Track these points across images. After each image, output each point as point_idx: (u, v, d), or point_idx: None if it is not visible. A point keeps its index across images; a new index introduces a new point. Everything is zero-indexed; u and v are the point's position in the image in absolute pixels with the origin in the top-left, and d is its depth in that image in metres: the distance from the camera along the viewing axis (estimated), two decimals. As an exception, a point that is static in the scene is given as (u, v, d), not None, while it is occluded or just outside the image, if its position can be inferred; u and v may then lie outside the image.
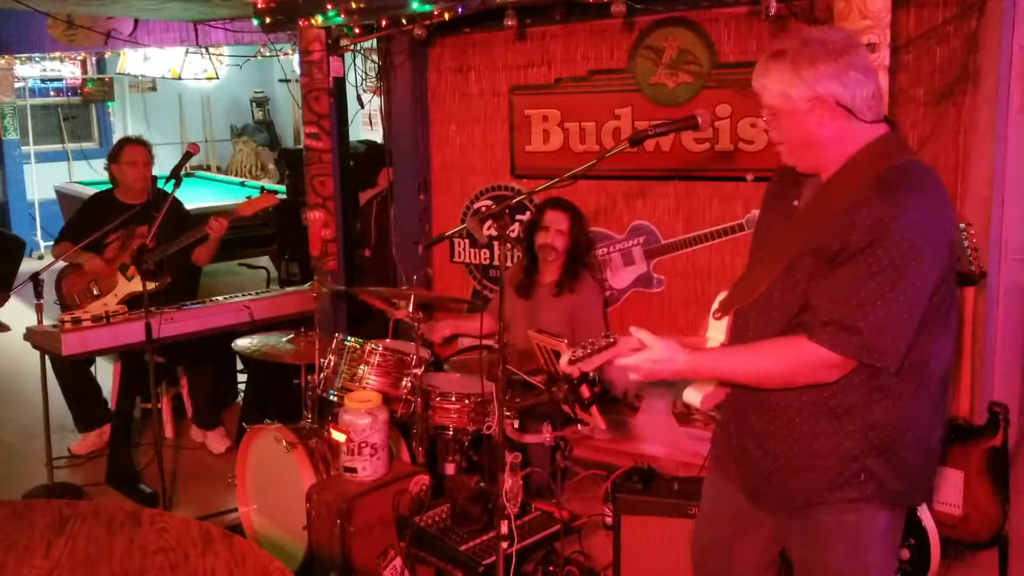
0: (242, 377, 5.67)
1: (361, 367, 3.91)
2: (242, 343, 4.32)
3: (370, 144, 6.56)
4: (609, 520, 3.83)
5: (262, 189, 5.01)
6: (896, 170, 2.00)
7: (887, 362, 1.98)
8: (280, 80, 11.53)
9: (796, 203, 2.19)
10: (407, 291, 3.93)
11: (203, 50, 8.16)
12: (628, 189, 4.56)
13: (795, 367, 2.06)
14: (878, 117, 2.07)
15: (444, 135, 5.23)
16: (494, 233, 2.77)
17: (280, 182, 8.76)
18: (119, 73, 10.84)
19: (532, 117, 4.82)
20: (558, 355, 2.82)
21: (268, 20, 5.00)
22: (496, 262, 5.01)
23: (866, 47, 3.01)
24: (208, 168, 11.84)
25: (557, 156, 4.73)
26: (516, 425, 3.99)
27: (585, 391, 2.72)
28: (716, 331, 2.23)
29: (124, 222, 4.94)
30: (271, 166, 11.48)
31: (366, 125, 8.01)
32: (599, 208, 4.67)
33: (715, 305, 2.23)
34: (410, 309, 3.84)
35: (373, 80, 5.39)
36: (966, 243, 3.23)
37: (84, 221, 5.06)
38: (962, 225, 3.28)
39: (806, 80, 2.01)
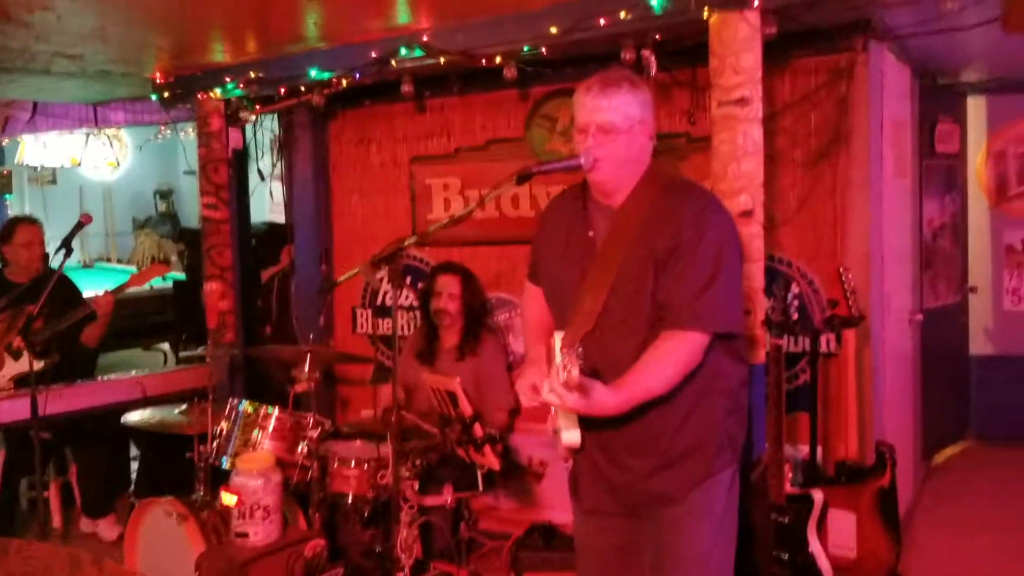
0: (136, 465, 5.49)
1: (255, 431, 3.86)
2: (133, 416, 4.23)
3: (272, 224, 6.59)
4: (512, 581, 3.80)
5: (152, 260, 4.98)
6: (677, 180, 2.52)
7: (739, 325, 2.38)
8: (185, 172, 11.50)
9: (591, 234, 2.47)
10: (305, 349, 3.92)
11: (104, 136, 8.13)
12: (528, 253, 4.65)
13: (686, 359, 2.33)
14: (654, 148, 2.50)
15: (346, 206, 5.29)
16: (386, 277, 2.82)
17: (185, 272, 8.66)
18: (18, 164, 10.67)
19: (433, 186, 4.93)
20: (452, 396, 2.87)
21: (167, 95, 5.06)
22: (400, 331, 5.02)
23: (739, 101, 3.25)
24: (109, 260, 11.61)
25: (459, 224, 4.81)
26: (416, 487, 3.96)
27: (478, 430, 2.77)
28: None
29: (12, 301, 4.82)
30: (174, 258, 11.31)
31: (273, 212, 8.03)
32: (500, 273, 4.76)
33: (558, 343, 2.32)
34: (306, 368, 3.82)
35: (274, 155, 5.46)
36: (845, 286, 3.40)
37: (-30, 303, 4.92)
38: (840, 269, 3.45)
39: (641, 104, 2.39)
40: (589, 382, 2.17)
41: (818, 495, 3.28)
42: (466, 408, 2.75)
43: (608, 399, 2.24)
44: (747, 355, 2.62)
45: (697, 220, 2.32)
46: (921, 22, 3.45)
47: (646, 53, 3.49)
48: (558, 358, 2.27)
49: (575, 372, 2.07)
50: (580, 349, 2.10)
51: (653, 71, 3.53)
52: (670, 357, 2.31)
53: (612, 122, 2.35)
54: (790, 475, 3.27)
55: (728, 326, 2.35)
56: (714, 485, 2.44)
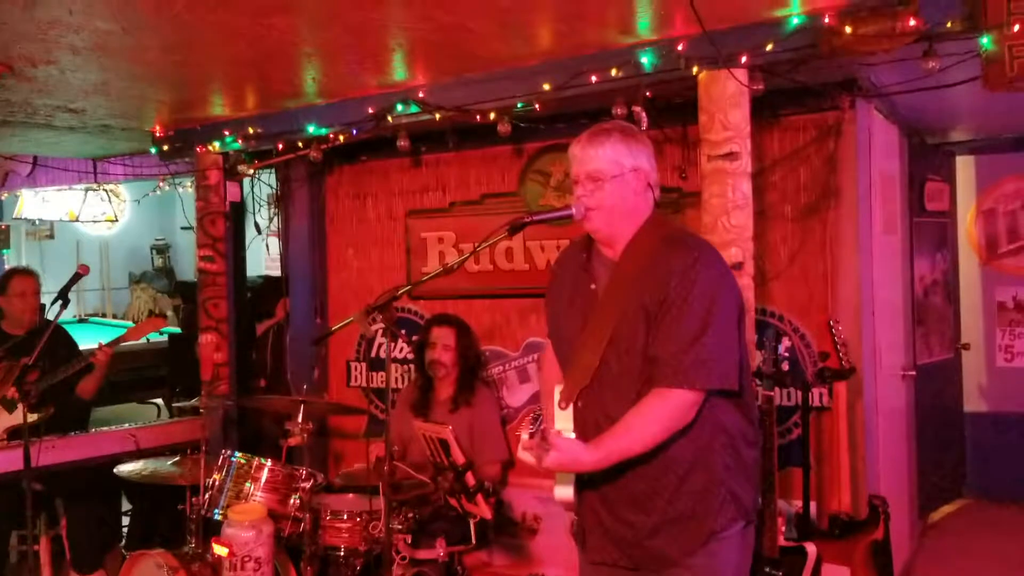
0: (128, 521, 5.46)
1: (247, 483, 3.86)
2: (126, 467, 4.22)
3: (268, 278, 6.65)
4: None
5: (149, 312, 5.02)
6: (676, 231, 2.48)
7: (733, 382, 2.29)
8: (182, 227, 11.58)
9: (593, 286, 2.48)
10: (299, 399, 3.93)
11: (102, 191, 8.22)
12: (521, 306, 4.72)
13: (671, 418, 2.29)
14: (657, 200, 2.51)
15: (342, 259, 5.36)
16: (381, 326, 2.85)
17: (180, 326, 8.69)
18: (16, 218, 10.76)
19: (428, 239, 5.01)
20: (444, 444, 2.88)
21: (166, 148, 5.14)
22: (393, 384, 5.05)
23: (728, 155, 3.33)
24: (104, 315, 11.63)
25: (453, 276, 4.79)
26: (409, 540, 3.95)
27: (470, 478, 2.79)
28: (563, 421, 2.34)
29: (7, 353, 4.84)
30: (170, 313, 11.34)
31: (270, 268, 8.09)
32: (493, 326, 4.80)
33: (557, 397, 2.36)
34: (299, 420, 3.83)
35: (271, 207, 5.53)
36: (835, 338, 3.44)
37: (-34, 356, 4.93)
38: (830, 321, 3.50)
39: (633, 152, 2.42)
40: (563, 441, 2.20)
41: (811, 548, 3.27)
42: (458, 456, 2.77)
43: (584, 456, 2.24)
44: (753, 411, 2.52)
45: (686, 273, 2.30)
46: (906, 81, 3.53)
47: (637, 109, 3.57)
48: (555, 412, 2.32)
49: (525, 436, 2.11)
50: (536, 414, 2.15)
51: (644, 126, 3.60)
52: (653, 415, 2.29)
53: (600, 169, 2.38)
54: (783, 529, 3.27)
55: (720, 382, 2.29)
56: (721, 546, 2.38)
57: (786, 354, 3.25)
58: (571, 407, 2.37)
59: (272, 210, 5.63)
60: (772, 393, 3.17)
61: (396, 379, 5.08)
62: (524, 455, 2.23)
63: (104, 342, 4.78)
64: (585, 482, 2.43)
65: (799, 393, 3.81)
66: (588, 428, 2.34)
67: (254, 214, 5.51)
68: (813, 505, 3.67)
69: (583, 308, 2.47)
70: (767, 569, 3.24)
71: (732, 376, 2.32)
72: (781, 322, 4.06)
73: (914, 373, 5.00)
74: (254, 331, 5.90)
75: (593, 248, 2.54)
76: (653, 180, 2.47)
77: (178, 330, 7.84)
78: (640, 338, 2.33)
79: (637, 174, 2.41)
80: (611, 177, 2.39)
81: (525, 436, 2.16)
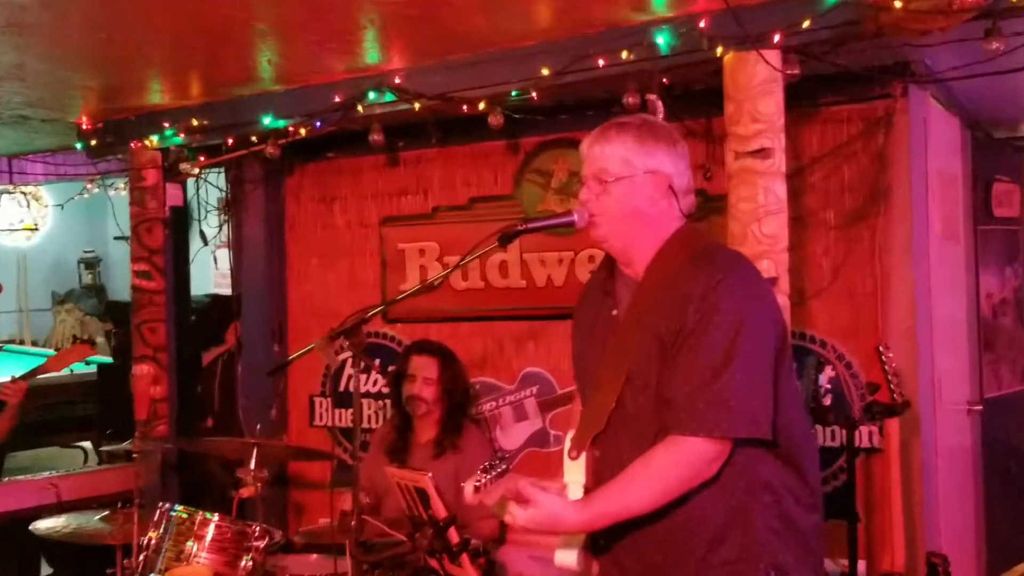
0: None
1: (190, 542, 3.84)
2: (45, 524, 4.21)
3: (216, 297, 6.65)
4: None
5: (74, 339, 5.03)
6: (709, 247, 2.40)
7: (764, 429, 2.19)
8: (116, 237, 11.59)
9: (615, 312, 2.44)
10: (252, 442, 3.94)
11: (19, 194, 8.22)
12: (518, 331, 4.73)
13: (682, 473, 2.21)
14: (689, 210, 2.45)
15: (304, 272, 5.38)
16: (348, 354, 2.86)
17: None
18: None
19: (407, 251, 5.02)
20: (423, 495, 2.89)
21: (94, 143, 5.16)
22: (365, 424, 5.05)
23: (758, 152, 3.35)
24: (21, 342, 11.61)
25: (436, 296, 4.86)
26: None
27: (454, 535, 2.79)
28: (574, 473, 2.33)
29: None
30: (100, 339, 11.33)
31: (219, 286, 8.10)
32: (485, 354, 4.81)
33: (567, 444, 2.35)
34: (253, 467, 3.83)
35: (220, 213, 5.54)
36: (885, 367, 3.45)
37: None
38: (880, 347, 3.51)
39: (649, 151, 2.37)
40: (541, 496, 2.15)
41: (859, 616, 3.28)
42: (439, 509, 2.77)
43: (568, 516, 2.20)
44: (806, 464, 2.38)
45: (706, 297, 2.22)
46: (966, 65, 3.55)
47: (651, 97, 3.60)
48: (565, 463, 2.31)
49: (469, 488, 2.10)
50: (491, 463, 2.14)
51: (660, 118, 3.62)
52: (659, 468, 2.21)
53: (605, 169, 2.37)
54: (826, 592, 3.27)
55: (747, 429, 2.19)
56: None
57: (828, 386, 3.27)
58: (583, 456, 2.35)
59: (221, 217, 5.64)
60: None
61: (368, 418, 5.08)
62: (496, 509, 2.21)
63: (18, 375, 4.78)
64: (600, 546, 2.41)
65: (844, 432, 3.81)
66: (604, 482, 2.29)
67: (199, 221, 5.51)
68: (862, 564, 3.68)
69: (604, 338, 2.44)
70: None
71: (762, 421, 2.21)
72: (823, 348, 4.07)
73: (981, 407, 5.01)
74: (199, 361, 5.90)
75: (616, 267, 2.51)
76: (680, 185, 2.39)
77: (109, 360, 7.85)
78: (655, 375, 2.28)
79: (654, 177, 2.36)
80: (618, 179, 2.36)
81: (469, 488, 2.11)
